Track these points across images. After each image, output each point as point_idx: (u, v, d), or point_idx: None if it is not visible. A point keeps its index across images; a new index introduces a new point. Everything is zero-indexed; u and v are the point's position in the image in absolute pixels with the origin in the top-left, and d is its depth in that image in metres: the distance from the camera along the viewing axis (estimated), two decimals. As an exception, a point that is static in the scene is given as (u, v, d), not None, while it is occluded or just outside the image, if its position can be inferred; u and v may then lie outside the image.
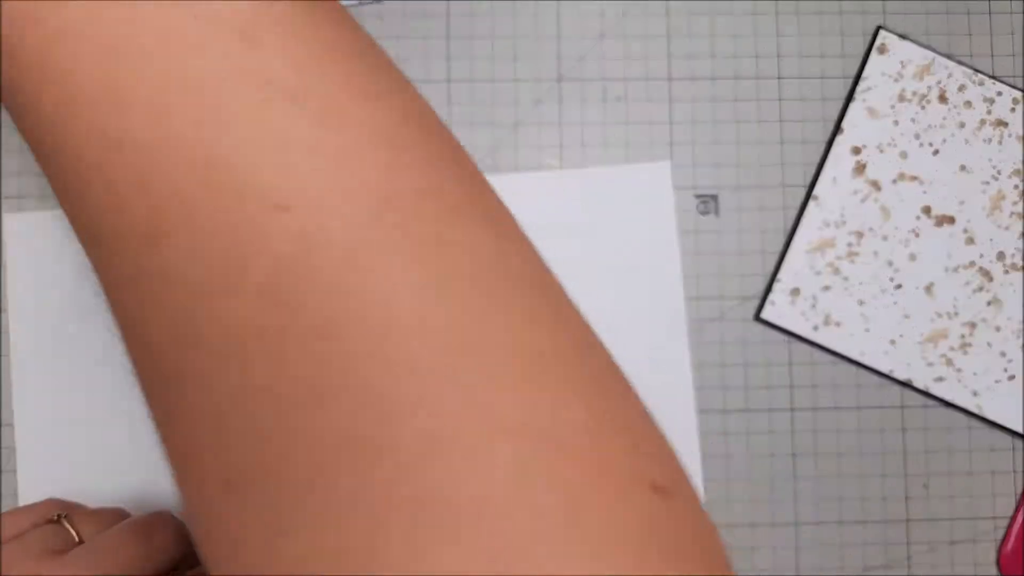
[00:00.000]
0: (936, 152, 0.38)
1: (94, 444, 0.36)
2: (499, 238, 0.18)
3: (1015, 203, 0.38)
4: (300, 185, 0.15)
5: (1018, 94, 0.38)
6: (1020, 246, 0.38)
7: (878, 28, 0.38)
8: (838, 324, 0.37)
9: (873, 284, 0.37)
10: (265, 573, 0.15)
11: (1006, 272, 0.38)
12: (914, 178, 0.38)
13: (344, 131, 0.16)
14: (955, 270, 0.38)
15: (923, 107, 0.38)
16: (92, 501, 0.34)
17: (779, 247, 0.38)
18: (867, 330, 0.37)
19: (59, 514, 0.29)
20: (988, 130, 0.38)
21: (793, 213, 0.38)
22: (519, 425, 0.15)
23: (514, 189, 0.38)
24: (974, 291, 0.38)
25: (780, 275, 0.37)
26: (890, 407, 0.37)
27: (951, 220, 0.38)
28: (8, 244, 0.36)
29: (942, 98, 0.38)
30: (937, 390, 0.37)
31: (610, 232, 0.37)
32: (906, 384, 0.37)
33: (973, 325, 0.37)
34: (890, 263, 0.37)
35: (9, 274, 0.36)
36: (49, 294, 0.36)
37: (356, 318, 0.15)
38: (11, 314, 0.36)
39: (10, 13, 0.16)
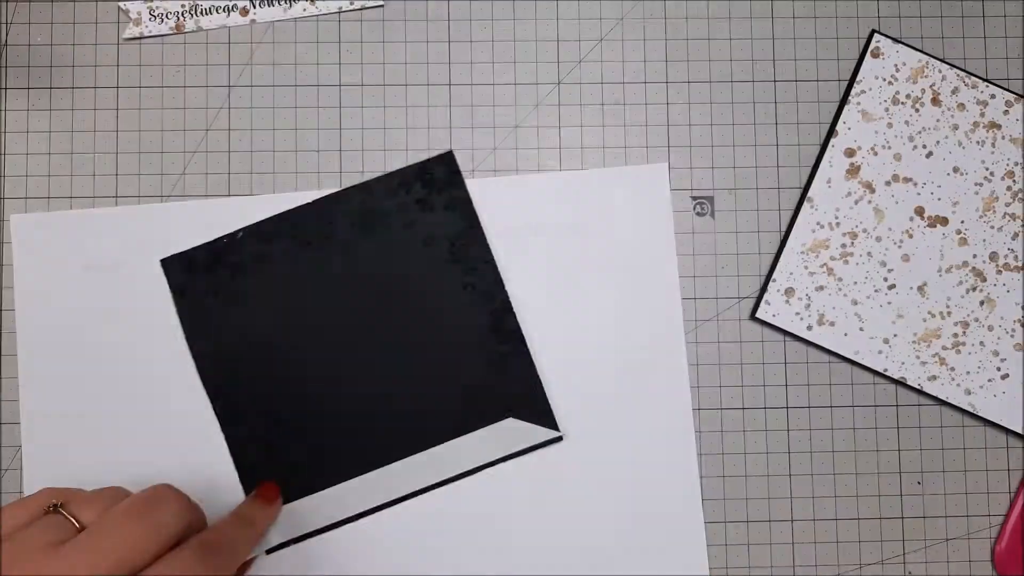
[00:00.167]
0: (930, 154, 0.38)
1: (98, 442, 0.36)
2: None
3: (1008, 204, 0.38)
4: None
5: (1011, 97, 0.38)
6: (1013, 247, 0.38)
7: (872, 32, 0.39)
8: (832, 324, 0.38)
9: (867, 284, 0.38)
10: None
11: (999, 272, 0.38)
12: (907, 180, 0.38)
13: None
14: (948, 270, 0.38)
15: (917, 110, 0.38)
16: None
17: (774, 248, 0.38)
18: (861, 329, 0.38)
19: (55, 503, 0.28)
20: (981, 132, 0.38)
21: (788, 215, 0.38)
22: None
23: (514, 191, 0.39)
24: (967, 291, 0.38)
25: (775, 275, 0.38)
26: (884, 405, 0.38)
27: (944, 221, 0.38)
28: (13, 244, 0.37)
29: (935, 101, 0.38)
30: (931, 389, 0.38)
31: (608, 233, 0.37)
32: (900, 383, 0.38)
33: (966, 324, 0.38)
34: (884, 263, 0.38)
35: (15, 274, 0.37)
36: (53, 294, 0.37)
37: None
38: (16, 313, 0.37)
39: None
